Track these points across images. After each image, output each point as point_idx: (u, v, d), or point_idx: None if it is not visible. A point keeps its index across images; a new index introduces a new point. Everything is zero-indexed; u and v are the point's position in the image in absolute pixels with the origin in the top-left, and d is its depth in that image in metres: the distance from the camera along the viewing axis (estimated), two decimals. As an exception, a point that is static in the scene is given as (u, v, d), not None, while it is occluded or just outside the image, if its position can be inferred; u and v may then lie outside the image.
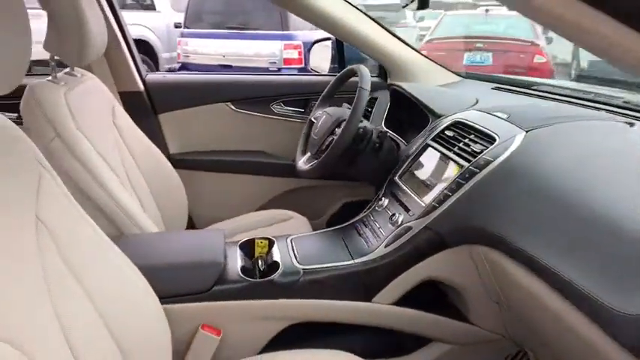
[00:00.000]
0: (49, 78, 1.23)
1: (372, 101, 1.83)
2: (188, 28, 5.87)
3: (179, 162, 1.83)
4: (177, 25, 6.53)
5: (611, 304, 0.71)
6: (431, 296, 1.24)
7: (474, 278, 1.12)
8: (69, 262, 0.78)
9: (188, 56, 5.78)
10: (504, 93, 1.61)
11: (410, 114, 1.59)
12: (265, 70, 5.21)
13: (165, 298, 0.98)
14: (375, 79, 1.90)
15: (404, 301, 1.17)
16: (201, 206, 1.88)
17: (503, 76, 1.72)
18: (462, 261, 1.10)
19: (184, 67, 5.79)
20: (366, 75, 1.38)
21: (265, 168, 1.91)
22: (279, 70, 5.24)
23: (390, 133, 1.54)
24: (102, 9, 1.60)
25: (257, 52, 5.43)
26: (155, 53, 6.47)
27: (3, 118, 0.72)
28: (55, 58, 1.24)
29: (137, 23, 6.17)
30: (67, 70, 1.35)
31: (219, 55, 5.55)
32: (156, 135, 1.80)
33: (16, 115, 1.19)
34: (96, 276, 0.82)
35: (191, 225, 1.88)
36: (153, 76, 1.85)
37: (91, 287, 0.80)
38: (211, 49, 5.62)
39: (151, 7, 6.67)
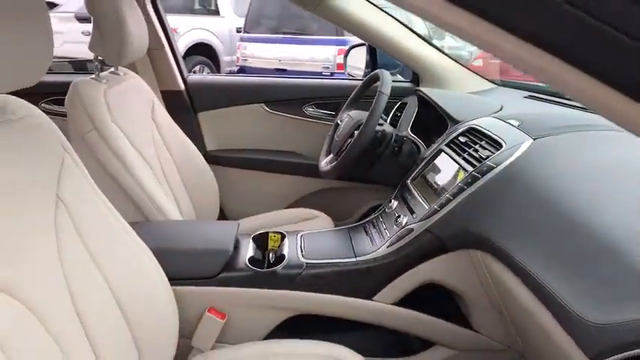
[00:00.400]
0: (93, 76, 1.37)
1: (402, 106, 1.84)
2: (248, 32, 6.11)
3: (215, 158, 1.94)
4: (239, 30, 6.79)
5: (582, 313, 0.70)
6: (439, 300, 1.24)
7: (476, 284, 1.12)
8: (83, 238, 0.87)
9: (246, 60, 6.01)
10: (534, 101, 1.57)
11: (434, 119, 1.60)
12: (319, 75, 5.32)
13: (175, 280, 1.06)
14: (407, 85, 1.91)
15: (411, 302, 1.18)
16: (233, 201, 1.98)
17: (538, 84, 1.67)
18: (462, 266, 1.11)
19: (242, 70, 6.02)
20: (386, 80, 1.41)
21: (296, 168, 1.98)
22: (332, 74, 5.33)
23: (413, 137, 1.56)
24: (147, 14, 1.73)
25: (312, 56, 5.55)
26: (217, 56, 6.76)
27: (29, 106, 0.83)
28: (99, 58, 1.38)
29: (202, 27, 6.50)
30: (112, 69, 1.48)
31: (276, 59, 5.73)
32: (194, 132, 1.91)
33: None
34: (108, 252, 0.91)
35: (223, 218, 1.98)
36: (193, 77, 1.98)
37: (103, 262, 0.89)
38: (268, 53, 5.81)
39: (216, 13, 6.98)
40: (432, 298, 1.21)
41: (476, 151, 1.16)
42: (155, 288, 1.00)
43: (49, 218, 0.82)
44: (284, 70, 5.62)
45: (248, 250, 1.23)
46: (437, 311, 1.21)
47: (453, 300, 1.26)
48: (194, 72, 5.86)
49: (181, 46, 6.10)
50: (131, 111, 1.44)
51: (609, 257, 0.73)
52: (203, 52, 6.48)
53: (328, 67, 5.43)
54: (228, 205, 1.97)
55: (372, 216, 1.35)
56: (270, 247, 1.30)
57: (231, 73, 6.46)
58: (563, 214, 0.86)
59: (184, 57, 6.11)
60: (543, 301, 0.80)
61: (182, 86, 1.91)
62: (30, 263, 0.75)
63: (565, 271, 0.79)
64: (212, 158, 1.91)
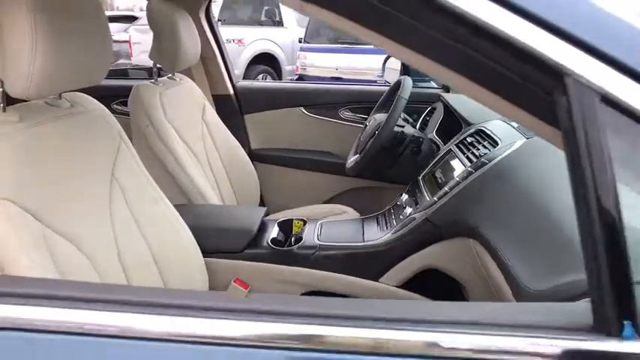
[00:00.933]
0: (152, 80, 1.61)
1: (432, 111, 1.96)
2: (307, 42, 6.37)
3: (258, 156, 2.15)
4: (301, 40, 7.09)
5: (529, 284, 0.81)
6: (449, 290, 1.35)
7: (473, 272, 1.22)
8: (132, 209, 1.08)
9: (305, 69, 6.28)
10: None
11: (456, 123, 1.70)
12: (373, 83, 5.46)
13: (206, 252, 1.25)
14: (436, 91, 2.02)
15: (424, 291, 1.30)
16: (273, 196, 2.17)
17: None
18: (459, 253, 1.21)
19: (301, 78, 6.29)
20: (407, 86, 1.54)
21: (331, 167, 2.13)
22: (386, 82, 5.44)
23: (436, 139, 1.67)
24: (202, 27, 1.97)
25: (368, 65, 5.70)
26: (279, 66, 7.10)
27: (93, 101, 1.05)
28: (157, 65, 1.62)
29: (266, 38, 6.87)
30: (169, 75, 1.73)
31: (333, 68, 5.94)
32: (241, 132, 2.13)
33: None
34: (151, 222, 1.11)
35: None
36: (242, 83, 2.21)
37: (146, 230, 1.10)
38: (326, 62, 6.04)
39: (280, 24, 7.34)
40: (442, 288, 1.32)
41: (478, 149, 1.26)
42: (190, 257, 1.20)
43: (105, 191, 1.04)
44: (339, 79, 5.81)
45: (272, 232, 1.41)
46: (445, 299, 1.31)
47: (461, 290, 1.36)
48: (257, 80, 6.22)
49: (247, 56, 6.48)
50: (183, 111, 1.67)
51: (560, 237, 0.83)
52: (266, 61, 6.84)
53: (382, 76, 5.56)
54: (268, 198, 2.17)
55: (385, 208, 1.49)
56: (294, 232, 1.47)
57: (291, 81, 6.76)
58: (536, 205, 0.96)
59: (249, 66, 6.51)
60: (508, 281, 0.90)
61: (231, 91, 2.14)
62: (88, 221, 0.96)
63: (526, 252, 0.89)
64: (256, 156, 2.12)
